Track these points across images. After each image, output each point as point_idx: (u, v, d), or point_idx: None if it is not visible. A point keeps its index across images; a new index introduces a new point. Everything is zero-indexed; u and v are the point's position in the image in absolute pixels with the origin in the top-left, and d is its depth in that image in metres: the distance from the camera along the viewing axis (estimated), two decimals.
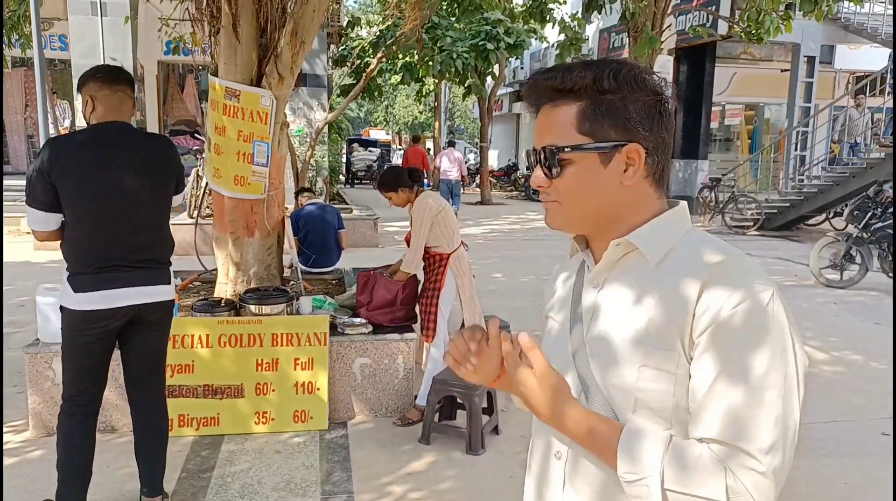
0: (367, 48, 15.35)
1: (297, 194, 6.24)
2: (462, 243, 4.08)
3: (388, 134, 37.97)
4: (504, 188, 22.35)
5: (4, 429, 3.71)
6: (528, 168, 1.10)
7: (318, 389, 3.81)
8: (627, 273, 1.04)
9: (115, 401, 3.67)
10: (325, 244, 5.79)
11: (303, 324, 3.84)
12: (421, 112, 39.55)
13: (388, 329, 4.03)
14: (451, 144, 17.47)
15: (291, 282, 4.92)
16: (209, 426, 3.68)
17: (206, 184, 8.45)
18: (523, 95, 1.09)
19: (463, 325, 4.16)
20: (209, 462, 3.39)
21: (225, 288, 4.60)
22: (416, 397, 3.99)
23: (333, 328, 3.94)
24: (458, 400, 3.77)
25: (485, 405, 3.71)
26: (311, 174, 11.91)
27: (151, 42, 13.04)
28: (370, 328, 4.00)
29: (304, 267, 5.40)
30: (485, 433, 3.62)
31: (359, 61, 16.67)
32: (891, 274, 7.48)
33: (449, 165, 14.59)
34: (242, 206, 4.40)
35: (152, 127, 14.71)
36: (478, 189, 22.10)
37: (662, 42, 11.18)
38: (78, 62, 12.37)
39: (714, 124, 15.90)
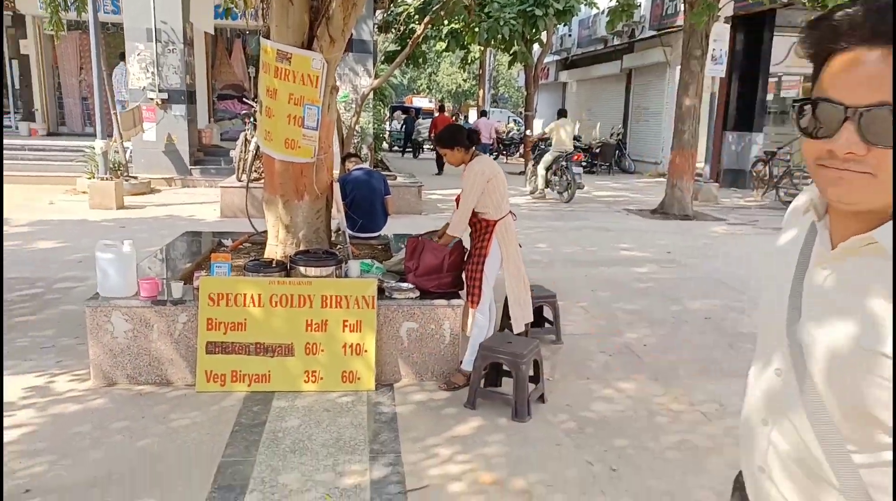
0: (412, 14, 15.17)
1: (343, 160, 6.26)
2: (510, 212, 4.04)
3: (430, 102, 37.74)
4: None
5: (67, 378, 3.88)
6: (800, 126, 0.93)
7: (366, 351, 3.86)
8: (864, 266, 0.91)
9: (169, 355, 3.79)
10: (372, 209, 5.81)
11: (351, 287, 3.88)
12: (465, 80, 39.14)
13: (435, 295, 4.05)
14: (482, 114, 19.71)
15: (339, 246, 4.96)
16: (260, 382, 3.77)
17: (255, 148, 8.56)
18: (815, 29, 0.93)
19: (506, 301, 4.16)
20: (261, 417, 3.48)
21: (275, 250, 4.68)
22: (461, 362, 4.01)
23: (381, 293, 3.97)
24: (504, 368, 3.77)
25: (531, 373, 3.70)
26: (355, 141, 11.93)
27: (201, 5, 13.14)
28: (417, 293, 4.02)
29: (350, 232, 5.44)
30: (531, 401, 3.63)
31: (404, 27, 16.51)
32: None
33: (485, 132, 16.63)
34: (292, 169, 4.43)
35: (201, 92, 14.91)
36: (521, 159, 21.88)
37: (720, 9, 10.76)
38: (130, 25, 12.57)
39: (769, 96, 15.31)
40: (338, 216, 4.92)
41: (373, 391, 3.82)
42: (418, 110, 26.95)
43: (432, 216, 10.62)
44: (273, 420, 3.45)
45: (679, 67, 11.35)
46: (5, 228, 8.38)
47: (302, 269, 3.92)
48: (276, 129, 4.32)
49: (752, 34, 14.61)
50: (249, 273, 3.91)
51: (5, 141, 13.75)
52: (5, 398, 3.57)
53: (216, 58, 16.41)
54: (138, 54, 12.67)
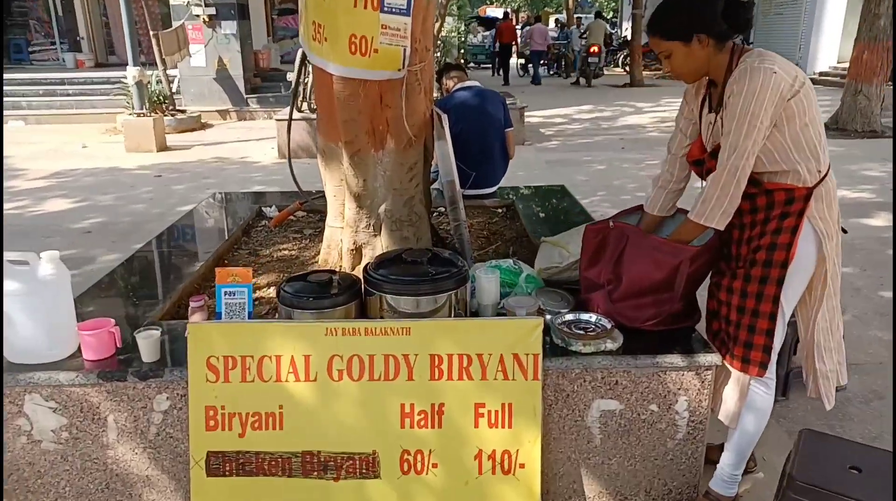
0: None
1: (439, 74, 4.12)
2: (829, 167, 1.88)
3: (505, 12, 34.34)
4: (652, 68, 18.84)
5: None
6: None
7: (522, 465, 1.90)
8: None
9: (142, 472, 1.96)
10: (487, 152, 3.73)
11: (492, 333, 1.88)
12: None
13: (651, 340, 2.01)
14: (537, 19, 20.60)
15: (449, 237, 2.98)
16: None
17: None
18: None
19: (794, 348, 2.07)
20: None
21: (336, 240, 2.73)
22: (713, 483, 2.00)
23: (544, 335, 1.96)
24: None
25: None
26: (436, 54, 9.69)
27: None
28: (618, 340, 1.98)
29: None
30: None
31: None
32: None
33: (539, 39, 17.50)
34: (366, 94, 2.40)
35: (256, 5, 12.86)
36: (623, 69, 19.01)
37: None
38: None
39: None
40: (444, 168, 2.87)
41: None
42: (487, 20, 24.38)
43: (538, 149, 8.41)
44: None
45: None
46: (19, 181, 6.83)
47: (389, 299, 1.94)
48: (334, 18, 2.26)
49: None
50: (287, 308, 1.96)
51: (46, 75, 12.29)
52: None
53: None
54: None
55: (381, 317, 1.96)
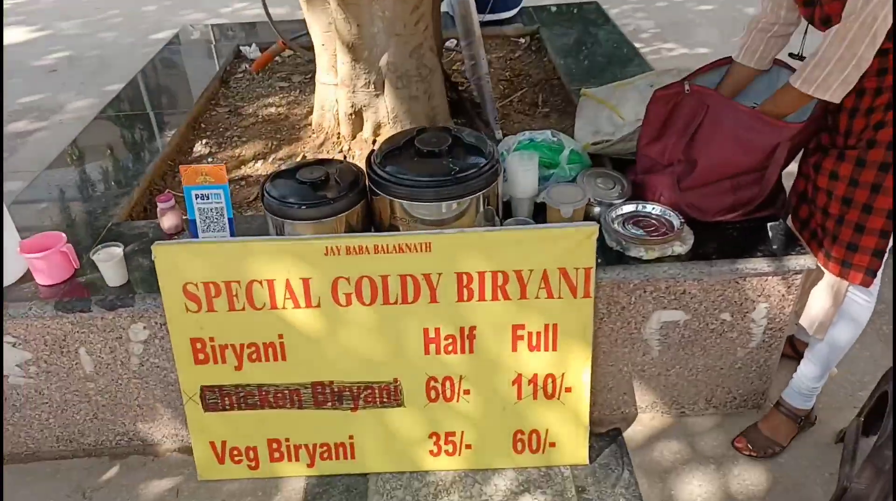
0: None
1: None
2: None
3: None
4: None
5: None
6: None
7: (569, 388, 1.63)
8: None
9: (131, 400, 1.72)
10: None
11: (533, 246, 1.50)
12: None
13: (730, 239, 1.64)
14: None
15: (465, 84, 2.46)
16: (334, 459, 1.69)
17: None
18: None
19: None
20: None
21: (331, 100, 2.26)
22: (785, 393, 1.73)
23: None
24: None
25: None
26: None
27: None
28: (688, 241, 1.60)
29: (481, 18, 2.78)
30: None
31: None
32: None
33: None
34: None
35: None
36: None
37: None
38: None
39: None
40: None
41: (587, 467, 1.68)
42: None
43: None
44: None
45: None
46: None
47: (406, 204, 1.52)
48: None
49: None
50: (274, 216, 1.56)
51: None
52: None
53: None
54: None
55: (392, 225, 1.57)
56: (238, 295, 1.51)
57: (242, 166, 2.22)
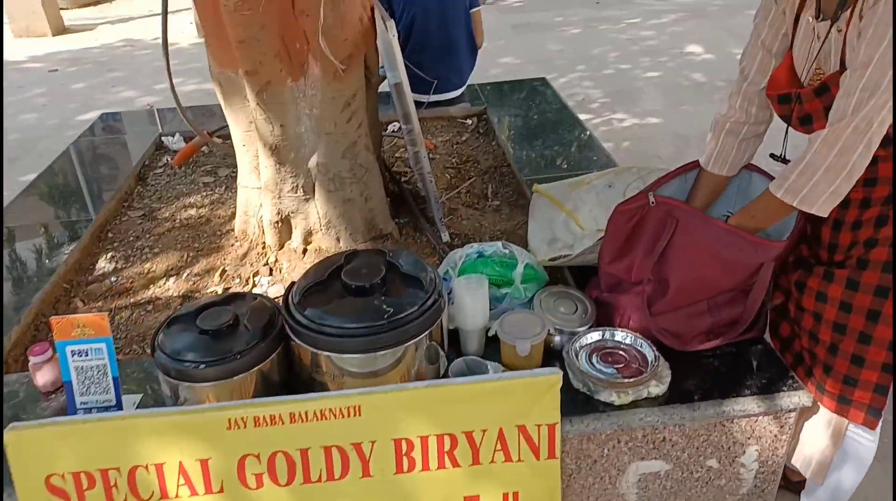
0: None
1: None
2: None
3: None
4: None
5: None
6: None
7: None
8: None
9: None
10: (451, 45, 2.88)
11: (485, 401, 1.24)
12: None
13: (710, 372, 1.42)
14: None
15: (404, 175, 2.25)
16: None
17: None
18: None
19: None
20: None
21: (254, 205, 2.01)
22: None
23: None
24: None
25: None
26: None
27: None
28: (666, 378, 1.37)
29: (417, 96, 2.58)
30: None
31: None
32: None
33: None
34: None
35: None
36: None
37: None
38: None
39: None
40: (388, 64, 2.07)
41: None
42: None
43: (502, 9, 7.29)
44: None
45: None
46: None
47: (332, 356, 1.25)
48: None
49: None
50: (166, 378, 1.27)
51: None
52: None
53: None
54: None
55: (313, 378, 1.30)
56: (118, 485, 1.20)
57: (151, 286, 1.93)
